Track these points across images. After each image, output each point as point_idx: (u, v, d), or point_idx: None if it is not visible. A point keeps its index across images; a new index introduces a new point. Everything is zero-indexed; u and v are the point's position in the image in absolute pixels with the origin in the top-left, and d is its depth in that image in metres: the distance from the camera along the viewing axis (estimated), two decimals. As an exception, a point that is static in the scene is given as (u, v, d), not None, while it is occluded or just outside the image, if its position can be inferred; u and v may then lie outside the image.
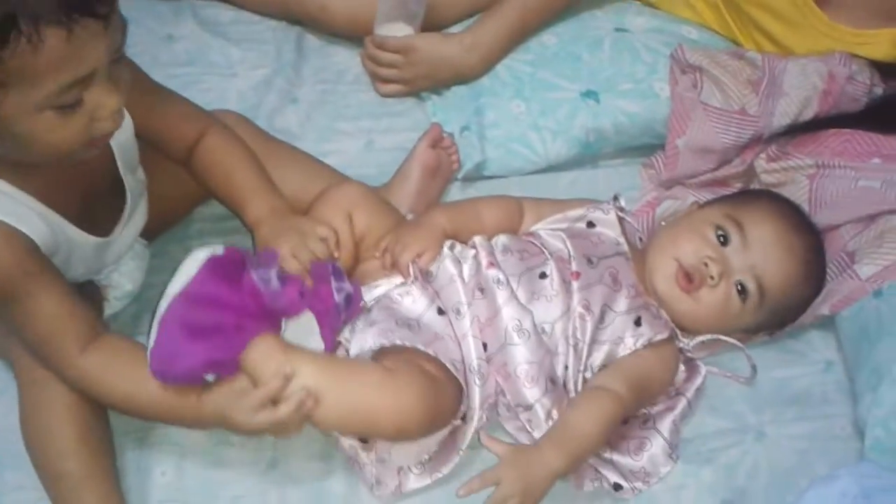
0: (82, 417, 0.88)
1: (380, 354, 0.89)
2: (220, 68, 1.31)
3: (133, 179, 0.96)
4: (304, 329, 0.87)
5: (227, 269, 0.83)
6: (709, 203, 1.07)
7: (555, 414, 0.92)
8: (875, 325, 1.00)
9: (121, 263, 1.01)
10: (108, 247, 0.95)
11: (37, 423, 0.88)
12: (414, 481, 0.91)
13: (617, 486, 0.93)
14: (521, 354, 0.92)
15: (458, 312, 0.93)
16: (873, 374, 0.97)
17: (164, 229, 1.12)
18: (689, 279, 0.96)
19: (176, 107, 0.99)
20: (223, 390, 0.84)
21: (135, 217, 0.98)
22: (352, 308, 0.90)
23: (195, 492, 0.93)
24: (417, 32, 1.28)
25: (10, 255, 0.82)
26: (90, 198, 0.91)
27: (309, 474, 0.94)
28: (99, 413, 0.90)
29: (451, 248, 0.98)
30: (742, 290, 0.97)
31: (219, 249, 0.84)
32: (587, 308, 0.94)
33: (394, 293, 0.94)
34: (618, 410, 0.91)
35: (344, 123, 1.27)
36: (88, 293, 1.02)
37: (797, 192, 1.11)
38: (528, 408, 0.92)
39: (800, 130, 1.16)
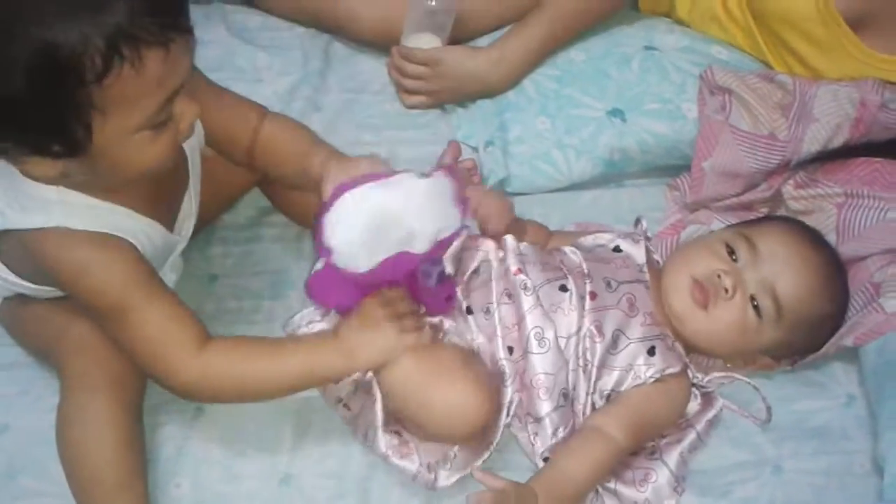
0: (125, 427, 0.89)
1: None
2: (246, 74, 1.30)
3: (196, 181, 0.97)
4: None
5: None
6: (724, 228, 1.07)
7: (560, 432, 0.93)
8: (900, 360, 0.98)
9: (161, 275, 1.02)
10: (171, 244, 0.96)
11: (78, 429, 0.88)
12: (444, 478, 0.91)
13: None
14: (541, 364, 0.93)
15: (486, 312, 0.94)
16: (896, 411, 0.96)
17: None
18: (703, 292, 0.96)
19: (233, 102, 0.99)
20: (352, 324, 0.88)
21: (190, 217, 0.99)
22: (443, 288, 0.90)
23: (208, 504, 0.93)
24: (445, 44, 1.27)
25: (125, 266, 0.83)
26: (170, 201, 0.94)
27: (321, 492, 0.94)
28: (139, 425, 0.91)
29: (496, 251, 0.99)
30: (756, 305, 0.96)
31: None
32: (599, 330, 0.95)
33: None
34: (612, 458, 0.91)
35: (367, 133, 1.27)
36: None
37: (825, 221, 1.10)
38: (538, 420, 0.93)
39: (829, 157, 1.14)
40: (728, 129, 1.15)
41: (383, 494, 0.94)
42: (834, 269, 1.02)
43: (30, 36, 0.68)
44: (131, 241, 0.85)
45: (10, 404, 0.98)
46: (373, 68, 1.33)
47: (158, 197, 0.90)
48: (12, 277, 0.92)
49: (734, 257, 0.98)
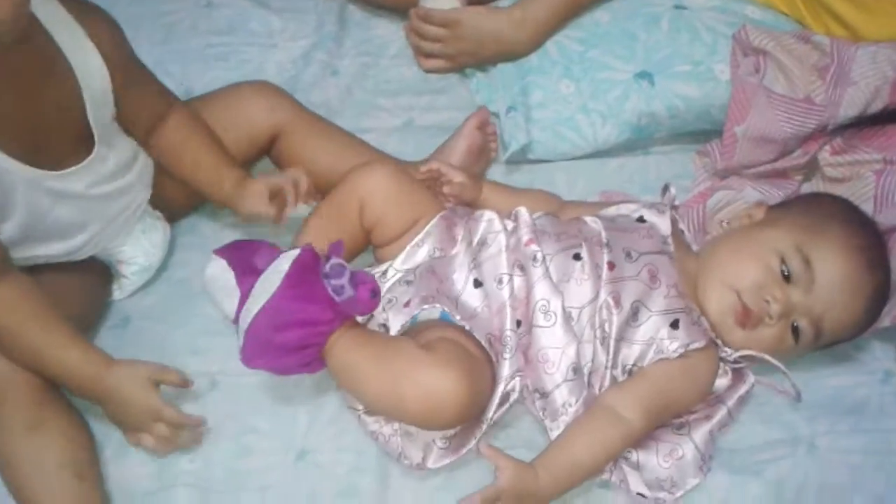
0: (49, 473, 0.87)
1: (419, 328, 0.88)
2: (259, 38, 1.27)
3: (105, 130, 0.94)
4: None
5: (303, 277, 0.83)
6: (777, 218, 0.98)
7: (570, 407, 0.89)
8: (939, 335, 0.94)
9: (129, 236, 1.00)
10: (54, 183, 0.90)
11: (8, 472, 0.88)
12: (438, 457, 0.88)
13: (640, 495, 0.89)
14: (546, 339, 0.90)
15: (499, 282, 0.92)
16: (936, 388, 0.92)
17: (193, 207, 1.10)
18: (747, 314, 0.92)
19: (149, 84, 0.99)
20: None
21: (107, 168, 0.95)
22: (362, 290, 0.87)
23: (222, 480, 0.91)
24: (464, 5, 1.23)
25: None
26: (45, 135, 0.89)
27: (339, 467, 0.91)
28: (69, 470, 0.88)
29: (501, 220, 0.96)
30: (797, 331, 0.93)
31: (293, 254, 0.83)
32: (616, 301, 0.91)
33: (437, 256, 0.94)
34: (622, 441, 0.88)
35: (384, 99, 1.23)
36: (97, 271, 1.02)
37: (862, 189, 1.05)
38: (545, 395, 0.90)
39: (867, 122, 1.08)
40: (762, 91, 1.09)
41: (403, 470, 0.91)
42: (880, 294, 0.95)
43: None
44: None
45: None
46: (390, 31, 1.29)
47: (20, 123, 0.86)
48: None
49: (785, 272, 0.92)
